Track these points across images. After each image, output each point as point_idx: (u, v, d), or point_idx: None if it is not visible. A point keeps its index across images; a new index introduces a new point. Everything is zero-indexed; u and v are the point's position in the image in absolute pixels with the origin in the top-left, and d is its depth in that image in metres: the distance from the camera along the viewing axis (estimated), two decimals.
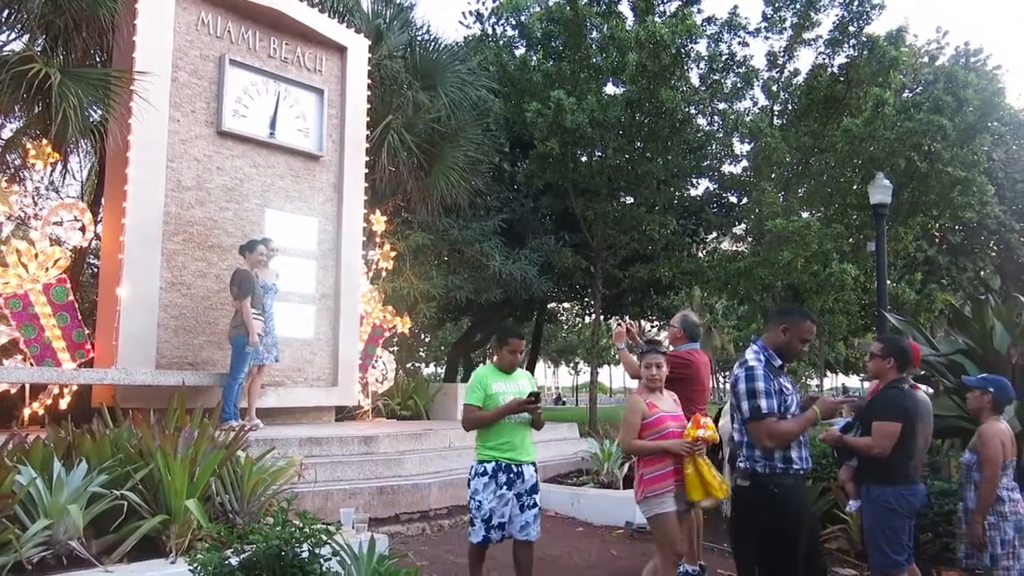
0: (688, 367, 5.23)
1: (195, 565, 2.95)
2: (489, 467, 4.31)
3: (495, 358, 4.62)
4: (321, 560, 3.02)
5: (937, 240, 21.10)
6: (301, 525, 3.03)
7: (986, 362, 6.46)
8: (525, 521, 4.34)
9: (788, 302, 15.00)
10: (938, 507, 5.62)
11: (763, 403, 3.47)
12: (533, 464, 4.48)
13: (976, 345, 6.72)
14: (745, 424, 3.58)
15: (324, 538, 3.09)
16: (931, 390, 7.43)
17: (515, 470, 4.33)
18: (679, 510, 4.23)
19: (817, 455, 7.05)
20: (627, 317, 21.07)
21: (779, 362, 3.65)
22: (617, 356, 7.30)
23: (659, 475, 4.23)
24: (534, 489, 4.40)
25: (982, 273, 21.67)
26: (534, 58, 17.47)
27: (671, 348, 5.83)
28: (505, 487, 4.29)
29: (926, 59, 20.32)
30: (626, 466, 7.84)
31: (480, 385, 4.41)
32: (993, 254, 21.98)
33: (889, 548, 4.05)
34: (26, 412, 7.52)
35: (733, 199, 19.20)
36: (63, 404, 7.65)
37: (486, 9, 19.02)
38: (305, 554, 2.97)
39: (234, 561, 2.94)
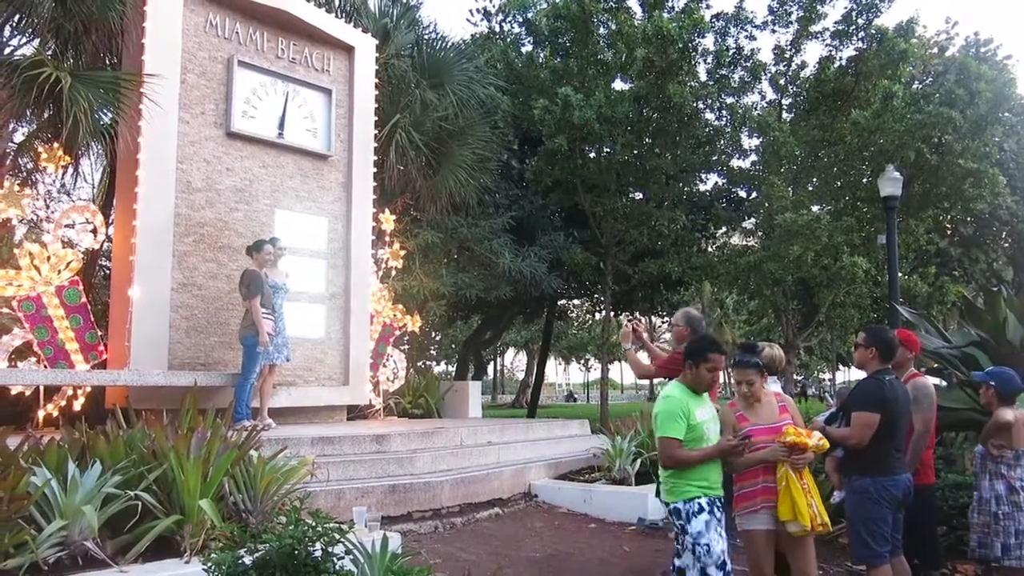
0: None
1: (209, 564, 2.97)
2: (704, 503, 3.74)
3: (685, 376, 3.91)
4: (334, 559, 3.04)
5: (949, 232, 20.93)
6: (314, 524, 3.04)
7: (999, 354, 6.40)
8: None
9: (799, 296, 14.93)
10: (953, 500, 5.58)
11: None
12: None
13: (989, 337, 6.67)
14: None
15: (337, 537, 3.10)
16: (944, 383, 7.39)
17: (719, 504, 3.84)
18: (770, 529, 3.90)
19: None
20: (636, 313, 21.07)
21: None
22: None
23: (747, 492, 3.97)
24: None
25: (994, 265, 21.51)
26: (541, 55, 17.44)
27: (676, 346, 5.80)
28: (719, 524, 3.77)
29: (936, 50, 20.17)
30: (638, 462, 7.83)
31: (682, 414, 3.74)
32: (1006, 245, 21.77)
33: (870, 538, 3.99)
34: (40, 414, 7.58)
35: (742, 194, 19.13)
36: (77, 405, 7.71)
37: (493, 6, 19.01)
38: (318, 553, 2.99)
39: (248, 560, 2.96)
